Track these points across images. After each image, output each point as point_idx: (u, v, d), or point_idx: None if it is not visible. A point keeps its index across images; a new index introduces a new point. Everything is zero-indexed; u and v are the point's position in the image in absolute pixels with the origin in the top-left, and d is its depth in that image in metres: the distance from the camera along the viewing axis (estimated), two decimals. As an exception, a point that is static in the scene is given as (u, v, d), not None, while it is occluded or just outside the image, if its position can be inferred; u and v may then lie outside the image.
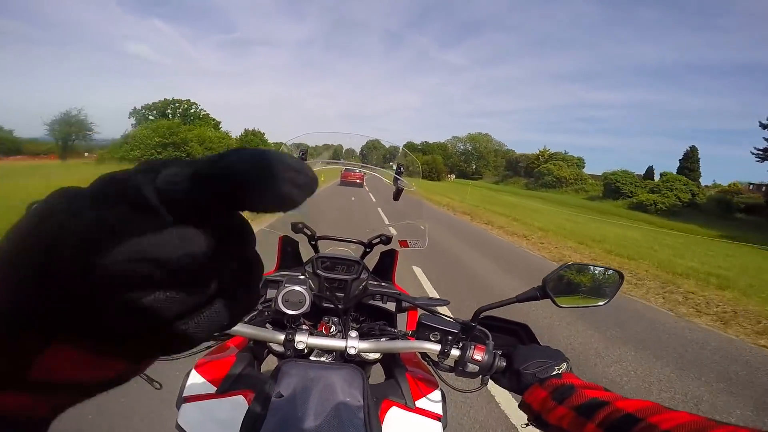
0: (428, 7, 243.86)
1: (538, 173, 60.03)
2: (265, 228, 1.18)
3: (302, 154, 1.09)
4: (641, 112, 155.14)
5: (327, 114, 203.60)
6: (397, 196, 1.13)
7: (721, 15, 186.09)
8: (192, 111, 53.18)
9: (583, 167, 62.25)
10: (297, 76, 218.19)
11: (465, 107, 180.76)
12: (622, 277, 0.78)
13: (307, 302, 0.69)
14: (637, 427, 0.46)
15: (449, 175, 72.04)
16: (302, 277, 0.78)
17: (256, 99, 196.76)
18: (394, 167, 1.16)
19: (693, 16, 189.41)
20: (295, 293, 0.68)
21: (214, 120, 53.65)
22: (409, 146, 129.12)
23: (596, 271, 0.79)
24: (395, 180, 1.11)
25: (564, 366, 0.65)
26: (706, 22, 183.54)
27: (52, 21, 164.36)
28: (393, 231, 1.19)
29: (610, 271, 0.79)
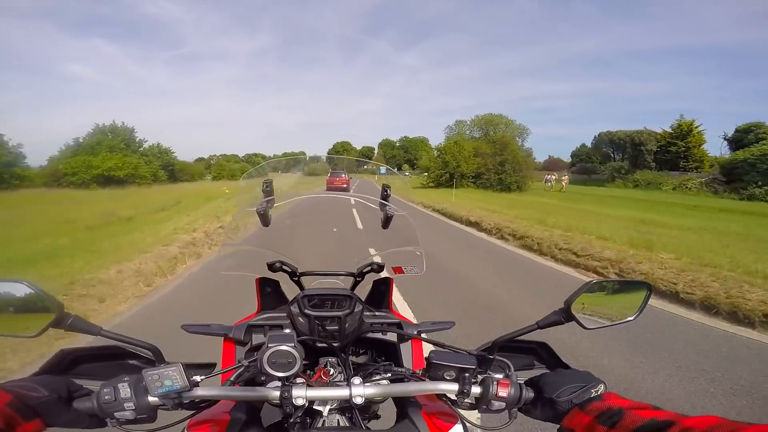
0: (382, 12, 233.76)
1: (745, 164, 26.53)
2: (228, 272, 1.04)
3: (266, 186, 1.01)
4: (587, 100, 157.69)
5: (288, 125, 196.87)
6: (386, 223, 1.06)
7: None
8: None
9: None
10: (253, 89, 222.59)
11: (426, 107, 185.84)
12: (649, 287, 0.75)
13: (298, 361, 0.61)
14: None
15: (560, 177, 32.89)
16: (288, 331, 0.70)
17: (211, 115, 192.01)
18: (379, 171, 1.29)
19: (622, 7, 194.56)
20: (282, 353, 0.61)
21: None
22: (386, 143, 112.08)
23: (621, 286, 0.77)
24: (382, 205, 1.05)
25: (602, 387, 0.61)
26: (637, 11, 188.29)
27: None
28: (378, 258, 1.09)
29: (636, 283, 0.78)
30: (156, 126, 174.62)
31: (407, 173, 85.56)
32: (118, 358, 0.72)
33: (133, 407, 0.58)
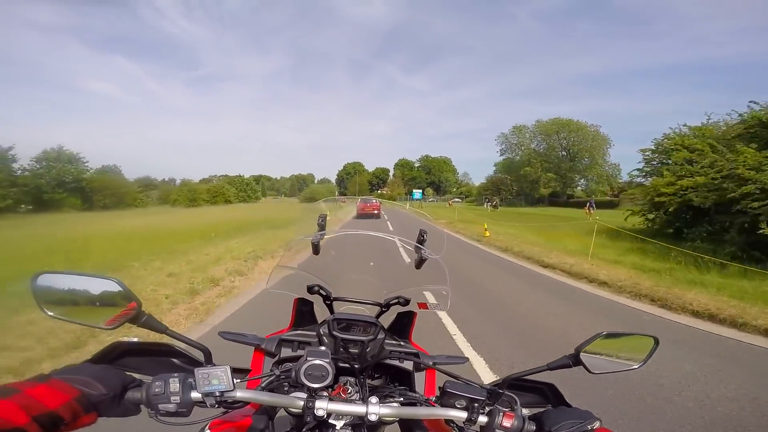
0: (391, 36, 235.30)
1: None
2: (276, 290, 1.14)
3: (321, 221, 1.15)
4: (594, 120, 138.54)
5: (296, 147, 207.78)
6: (419, 264, 1.13)
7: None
8: None
9: None
10: (265, 110, 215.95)
11: (432, 131, 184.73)
12: (657, 342, 0.78)
13: (330, 375, 0.68)
14: None
15: None
16: (324, 348, 0.78)
17: (224, 135, 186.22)
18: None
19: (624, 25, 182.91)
20: (318, 367, 0.68)
21: None
22: (404, 164, 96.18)
23: (630, 337, 0.81)
24: (417, 248, 1.12)
25: (597, 424, 0.65)
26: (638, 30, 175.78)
27: (8, 57, 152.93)
28: (428, 295, 1.14)
29: (645, 336, 0.79)
30: (167, 146, 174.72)
31: (432, 198, 69.79)
32: (162, 356, 0.77)
33: (178, 401, 0.62)
